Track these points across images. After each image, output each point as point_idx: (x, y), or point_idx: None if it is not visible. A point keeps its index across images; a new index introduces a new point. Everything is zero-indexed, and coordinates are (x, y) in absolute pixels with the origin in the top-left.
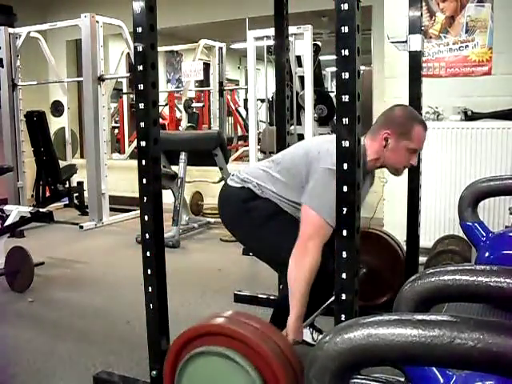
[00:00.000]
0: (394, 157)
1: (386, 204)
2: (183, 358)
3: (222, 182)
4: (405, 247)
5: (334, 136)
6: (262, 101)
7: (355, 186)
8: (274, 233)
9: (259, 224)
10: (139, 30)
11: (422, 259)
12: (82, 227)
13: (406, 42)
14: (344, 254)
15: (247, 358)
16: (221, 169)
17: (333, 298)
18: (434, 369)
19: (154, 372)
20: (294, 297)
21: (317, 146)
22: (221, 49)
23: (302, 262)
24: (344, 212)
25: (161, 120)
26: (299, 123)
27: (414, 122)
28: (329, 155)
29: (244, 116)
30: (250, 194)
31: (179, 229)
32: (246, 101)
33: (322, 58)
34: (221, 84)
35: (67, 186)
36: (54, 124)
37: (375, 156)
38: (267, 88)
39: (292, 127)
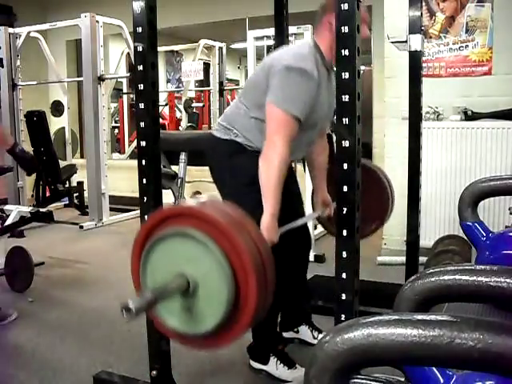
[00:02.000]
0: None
1: None
2: (150, 240)
3: None
4: (404, 247)
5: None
6: None
7: (355, 185)
8: (253, 199)
9: (242, 185)
10: (139, 29)
11: (422, 259)
12: (82, 227)
13: (406, 41)
14: (344, 254)
15: (216, 242)
16: None
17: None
18: (434, 369)
19: (154, 372)
20: (265, 194)
21: (271, 55)
22: (221, 49)
23: (271, 158)
24: (344, 212)
25: (161, 120)
26: None
27: None
28: (285, 55)
29: None
30: (235, 146)
31: None
32: None
33: None
34: (221, 84)
35: (67, 185)
36: (54, 124)
37: (330, 46)
38: None
39: None
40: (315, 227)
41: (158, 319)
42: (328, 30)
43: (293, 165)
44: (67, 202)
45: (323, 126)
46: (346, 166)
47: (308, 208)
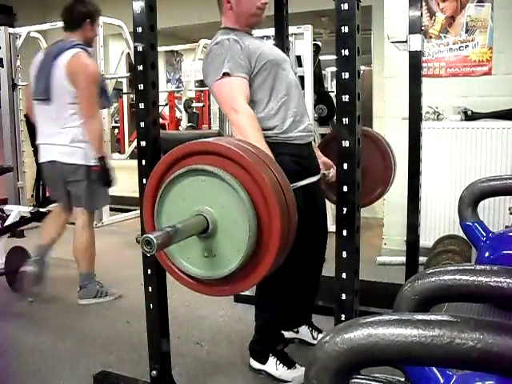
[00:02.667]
0: (244, 9)
1: (385, 204)
2: (168, 176)
3: None
4: (404, 247)
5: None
6: None
7: (355, 185)
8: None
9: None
10: (139, 30)
11: (422, 259)
12: None
13: (406, 41)
14: (344, 254)
15: (238, 179)
16: None
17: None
18: (434, 369)
19: (154, 372)
20: (250, 139)
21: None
22: None
23: (240, 122)
24: (344, 212)
25: (161, 120)
26: None
27: None
28: (214, 40)
29: None
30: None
31: None
32: None
33: (321, 57)
34: None
35: None
36: None
37: (234, 21)
38: None
39: None
40: None
41: (173, 266)
42: (229, 8)
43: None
44: None
45: (288, 67)
46: (346, 165)
47: None
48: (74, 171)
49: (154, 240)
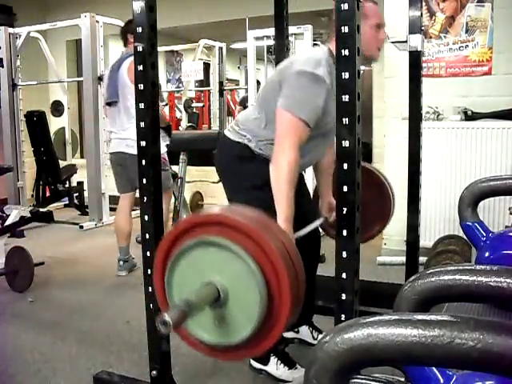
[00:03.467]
0: (364, 42)
1: None
2: (176, 249)
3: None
4: (404, 247)
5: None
6: None
7: (355, 185)
8: (260, 202)
9: (250, 188)
10: (139, 30)
11: (422, 259)
12: (82, 227)
13: (406, 41)
14: (344, 254)
15: (246, 249)
16: None
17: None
18: (434, 369)
19: (154, 372)
20: (278, 200)
21: (286, 60)
22: (221, 49)
23: (281, 163)
24: (344, 212)
25: None
26: None
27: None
28: (298, 61)
29: None
30: (246, 152)
31: None
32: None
33: None
34: (221, 84)
35: (67, 185)
36: (54, 124)
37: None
38: None
39: None
40: None
41: (186, 333)
42: None
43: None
44: (67, 202)
45: (332, 134)
46: (346, 166)
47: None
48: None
49: (170, 321)
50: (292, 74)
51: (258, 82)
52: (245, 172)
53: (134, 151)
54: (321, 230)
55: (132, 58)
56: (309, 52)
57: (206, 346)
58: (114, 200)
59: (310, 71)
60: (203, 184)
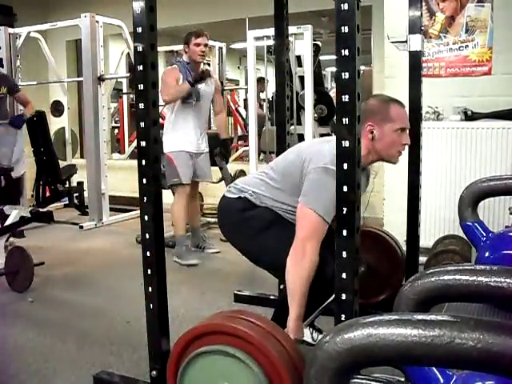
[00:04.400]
0: (385, 145)
1: (385, 204)
2: (185, 358)
3: (222, 182)
4: (404, 247)
5: (326, 138)
6: (263, 101)
7: (355, 185)
8: (273, 240)
9: (258, 232)
10: (139, 30)
11: (422, 259)
12: (82, 227)
13: (406, 41)
14: (344, 254)
15: (251, 357)
16: (221, 169)
17: (332, 298)
18: (434, 369)
19: (154, 372)
20: (293, 297)
21: (308, 147)
22: (221, 49)
23: (301, 263)
24: (344, 212)
25: (161, 120)
26: (299, 123)
27: (389, 103)
28: (321, 155)
29: (244, 116)
30: (248, 204)
31: None
32: (245, 101)
33: (321, 57)
34: (221, 84)
35: (67, 185)
36: (54, 124)
37: (365, 151)
38: (267, 88)
39: (292, 127)
40: None
41: None
42: (368, 138)
43: None
44: (67, 202)
45: None
46: (346, 166)
47: None
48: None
49: None
50: (317, 169)
51: (259, 80)
52: (249, 219)
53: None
54: None
55: (169, 67)
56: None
57: None
58: (114, 200)
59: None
60: (203, 184)
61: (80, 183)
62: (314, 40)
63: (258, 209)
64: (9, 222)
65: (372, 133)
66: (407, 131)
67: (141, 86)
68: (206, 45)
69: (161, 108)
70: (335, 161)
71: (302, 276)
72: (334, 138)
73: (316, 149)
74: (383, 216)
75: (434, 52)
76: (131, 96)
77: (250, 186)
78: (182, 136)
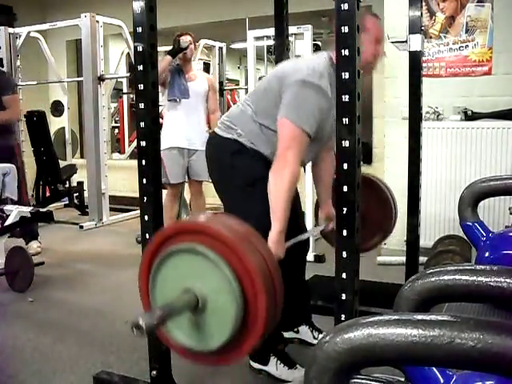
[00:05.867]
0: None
1: None
2: (158, 256)
3: None
4: (404, 247)
5: (306, 56)
6: None
7: (355, 186)
8: (258, 200)
9: (244, 187)
10: (139, 29)
11: (422, 259)
12: (82, 227)
13: (406, 41)
14: (344, 254)
15: (224, 259)
16: None
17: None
18: (434, 369)
19: (154, 372)
20: (275, 210)
21: (284, 66)
22: (221, 49)
23: (282, 173)
24: (344, 212)
25: (161, 120)
26: None
27: (365, 15)
28: (300, 69)
29: None
30: (236, 146)
31: None
32: None
33: None
34: (221, 84)
35: (67, 185)
36: (54, 124)
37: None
38: None
39: None
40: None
41: (165, 335)
42: None
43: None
44: (67, 202)
45: (329, 140)
46: (345, 166)
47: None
48: None
49: (143, 325)
50: (296, 83)
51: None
52: (236, 168)
53: None
54: (325, 240)
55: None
56: (311, 61)
57: (184, 349)
58: (114, 200)
59: (313, 82)
60: (203, 184)
61: (80, 183)
62: (314, 40)
63: (246, 156)
64: (9, 222)
65: None
66: (383, 43)
67: (141, 86)
68: (190, 43)
69: (161, 108)
70: (313, 74)
71: (285, 185)
72: (311, 56)
73: (292, 65)
74: None
75: (434, 52)
76: (131, 96)
77: (239, 122)
78: (171, 132)
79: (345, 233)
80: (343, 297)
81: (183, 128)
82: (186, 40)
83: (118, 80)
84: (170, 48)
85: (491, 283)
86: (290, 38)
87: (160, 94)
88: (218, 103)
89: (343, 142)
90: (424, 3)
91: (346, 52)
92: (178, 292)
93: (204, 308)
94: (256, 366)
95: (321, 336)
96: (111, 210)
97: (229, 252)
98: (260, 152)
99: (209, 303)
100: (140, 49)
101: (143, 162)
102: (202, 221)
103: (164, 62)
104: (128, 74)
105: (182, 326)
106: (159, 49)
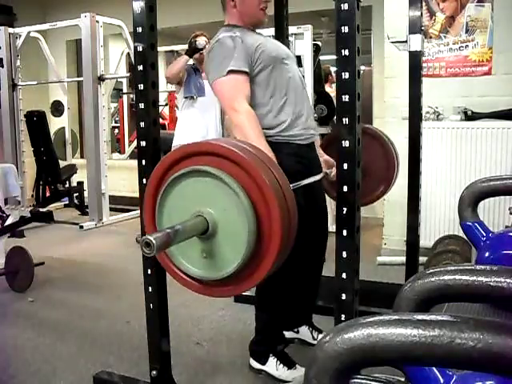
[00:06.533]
0: (247, 8)
1: (386, 204)
2: (170, 175)
3: None
4: (404, 247)
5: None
6: None
7: (355, 186)
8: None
9: None
10: (139, 29)
11: (422, 259)
12: (82, 227)
13: (406, 41)
14: (344, 254)
15: (238, 180)
16: None
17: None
18: (434, 369)
19: (154, 372)
20: (244, 135)
21: None
22: None
23: (237, 119)
24: (344, 212)
25: (161, 120)
26: None
27: None
28: (216, 38)
29: None
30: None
31: None
32: None
33: (321, 57)
34: None
35: (67, 185)
36: (54, 124)
37: (237, 19)
38: None
39: None
40: None
41: (173, 268)
42: (232, 6)
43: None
44: (67, 202)
45: (292, 63)
46: (345, 165)
47: None
48: None
49: (154, 241)
50: (205, 59)
51: None
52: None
53: None
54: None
55: None
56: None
57: (192, 279)
58: (114, 200)
59: (213, 44)
60: None
61: (80, 183)
62: (314, 40)
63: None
64: (9, 222)
65: (233, 1)
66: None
67: (141, 86)
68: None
69: (161, 108)
70: (214, 39)
71: (246, 128)
72: None
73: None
74: (383, 216)
75: (434, 52)
76: (131, 96)
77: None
78: (187, 129)
79: (345, 233)
80: (343, 297)
81: (199, 125)
82: (202, 41)
83: (118, 80)
84: (168, 49)
85: (491, 283)
86: (290, 38)
87: (175, 93)
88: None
89: (343, 141)
90: (424, 3)
91: (345, 52)
92: (187, 217)
93: (215, 233)
94: (256, 365)
95: (321, 336)
96: (111, 209)
97: (240, 171)
98: (284, 142)
99: (220, 227)
100: (140, 49)
101: (143, 162)
102: (211, 142)
103: (181, 61)
104: (128, 74)
105: (191, 254)
106: (159, 49)
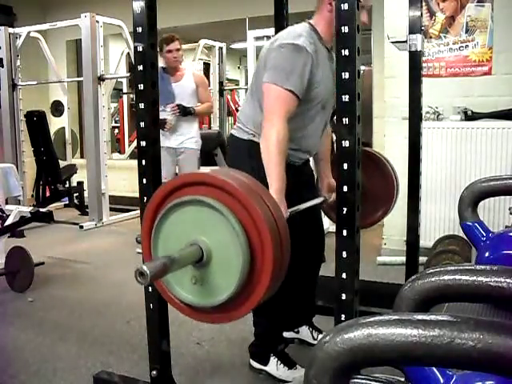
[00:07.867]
0: None
1: None
2: (161, 210)
3: None
4: (404, 247)
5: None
6: None
7: (355, 186)
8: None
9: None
10: (139, 29)
11: (422, 259)
12: (82, 227)
13: (405, 41)
14: (344, 254)
15: (231, 210)
16: None
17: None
18: (434, 369)
19: (154, 372)
20: (269, 171)
21: (268, 41)
22: (221, 49)
23: (269, 135)
24: (344, 212)
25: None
26: None
27: None
28: (279, 38)
29: None
30: (255, 148)
31: None
32: None
33: None
34: (221, 84)
35: (67, 185)
36: (54, 124)
37: (329, 26)
38: None
39: None
40: None
41: (167, 292)
42: (328, 10)
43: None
44: (67, 202)
45: (329, 107)
46: (345, 165)
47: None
48: None
49: (148, 272)
50: (273, 49)
51: None
52: (257, 168)
53: None
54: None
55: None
56: (290, 27)
57: (187, 306)
58: (114, 200)
59: (289, 42)
60: None
61: (80, 183)
62: None
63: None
64: (9, 221)
65: (331, 4)
66: (366, 9)
67: (141, 86)
68: (178, 49)
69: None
70: (288, 36)
71: (273, 144)
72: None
73: (271, 39)
74: None
75: (434, 52)
76: (131, 96)
77: (250, 121)
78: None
79: (345, 233)
80: (343, 297)
81: (174, 127)
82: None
83: (118, 80)
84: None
85: (491, 283)
86: None
87: None
88: (219, 103)
89: (343, 141)
90: (424, 3)
91: (346, 52)
92: (181, 245)
93: (209, 261)
94: (256, 365)
95: (321, 336)
96: (111, 209)
97: (235, 202)
98: None
99: (214, 256)
100: (140, 49)
101: (143, 162)
102: (207, 173)
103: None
104: (128, 74)
105: (185, 281)
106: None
